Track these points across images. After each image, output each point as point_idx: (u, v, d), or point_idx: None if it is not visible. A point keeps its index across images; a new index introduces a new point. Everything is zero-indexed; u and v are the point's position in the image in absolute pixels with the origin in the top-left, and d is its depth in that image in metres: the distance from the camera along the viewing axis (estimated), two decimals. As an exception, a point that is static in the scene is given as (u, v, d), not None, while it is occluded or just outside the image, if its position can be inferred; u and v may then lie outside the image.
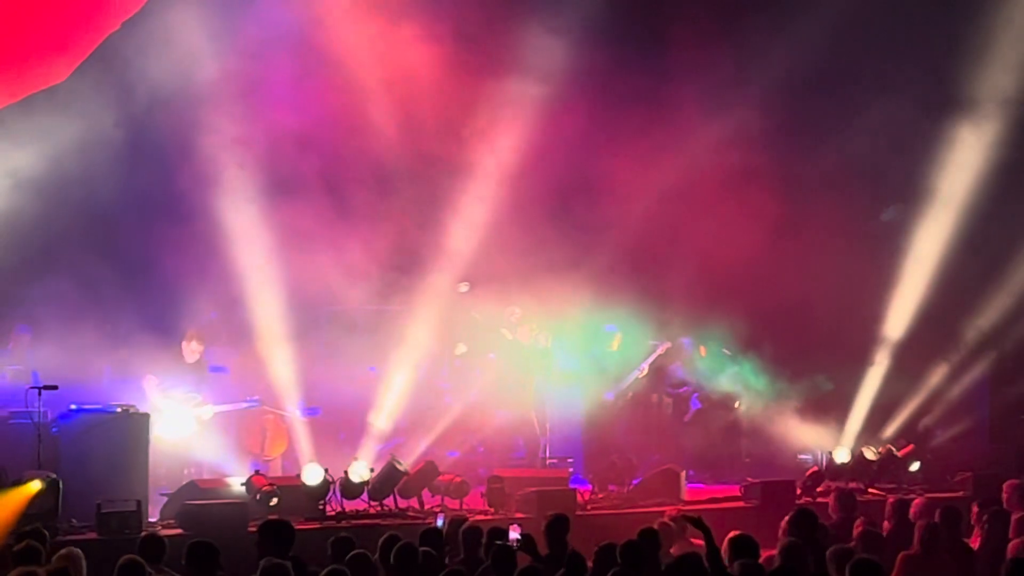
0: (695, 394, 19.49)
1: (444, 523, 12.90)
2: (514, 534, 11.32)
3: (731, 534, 10.68)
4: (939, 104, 19.50)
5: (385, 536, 11.02)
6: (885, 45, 19.92)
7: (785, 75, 19.48)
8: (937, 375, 19.74)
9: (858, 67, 20.22)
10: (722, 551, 10.48)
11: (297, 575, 10.06)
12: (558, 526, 11.64)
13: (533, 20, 18.69)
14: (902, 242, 19.90)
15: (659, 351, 19.44)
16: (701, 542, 11.04)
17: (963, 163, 19.52)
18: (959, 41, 19.23)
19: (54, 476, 13.47)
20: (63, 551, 10.53)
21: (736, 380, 19.52)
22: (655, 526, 11.54)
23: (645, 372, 19.36)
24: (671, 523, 12.48)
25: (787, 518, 11.95)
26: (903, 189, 20.09)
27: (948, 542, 12.22)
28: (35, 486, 13.26)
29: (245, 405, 16.92)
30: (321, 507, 15.00)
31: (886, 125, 19.41)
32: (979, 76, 19.41)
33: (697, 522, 11.16)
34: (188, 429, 16.28)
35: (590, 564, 10.67)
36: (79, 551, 10.49)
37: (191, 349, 16.66)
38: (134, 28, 17.20)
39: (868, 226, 20.44)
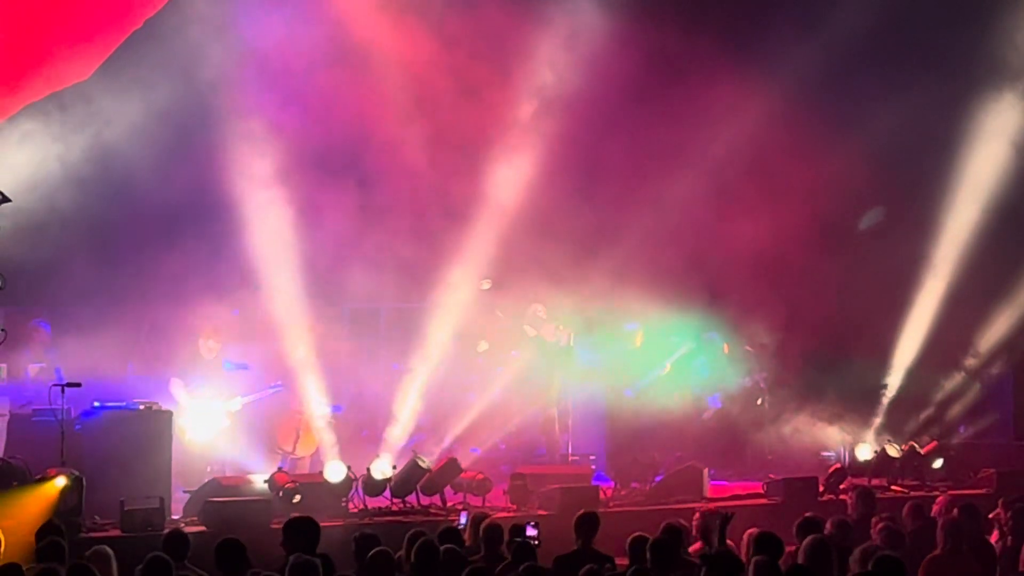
0: (716, 391, 19.44)
1: (468, 520, 12.91)
2: (531, 531, 11.34)
3: (753, 531, 10.67)
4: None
5: (410, 533, 11.04)
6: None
7: (821, 62, 19.29)
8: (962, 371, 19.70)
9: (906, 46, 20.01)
10: (744, 548, 10.48)
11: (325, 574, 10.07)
12: (588, 523, 11.63)
13: (559, 10, 18.64)
14: (933, 232, 19.79)
15: (683, 349, 19.41)
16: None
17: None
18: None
19: (77, 473, 13.48)
20: (93, 549, 10.54)
21: (758, 376, 19.48)
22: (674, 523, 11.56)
23: (668, 370, 19.34)
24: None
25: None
26: (938, 175, 19.90)
27: (970, 540, 12.16)
28: (59, 483, 13.29)
29: (271, 390, 17.12)
30: (343, 504, 15.01)
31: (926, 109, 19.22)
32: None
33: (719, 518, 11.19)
34: (220, 424, 16.50)
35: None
36: (109, 550, 10.48)
37: (208, 347, 16.87)
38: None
39: (897, 216, 20.22)
